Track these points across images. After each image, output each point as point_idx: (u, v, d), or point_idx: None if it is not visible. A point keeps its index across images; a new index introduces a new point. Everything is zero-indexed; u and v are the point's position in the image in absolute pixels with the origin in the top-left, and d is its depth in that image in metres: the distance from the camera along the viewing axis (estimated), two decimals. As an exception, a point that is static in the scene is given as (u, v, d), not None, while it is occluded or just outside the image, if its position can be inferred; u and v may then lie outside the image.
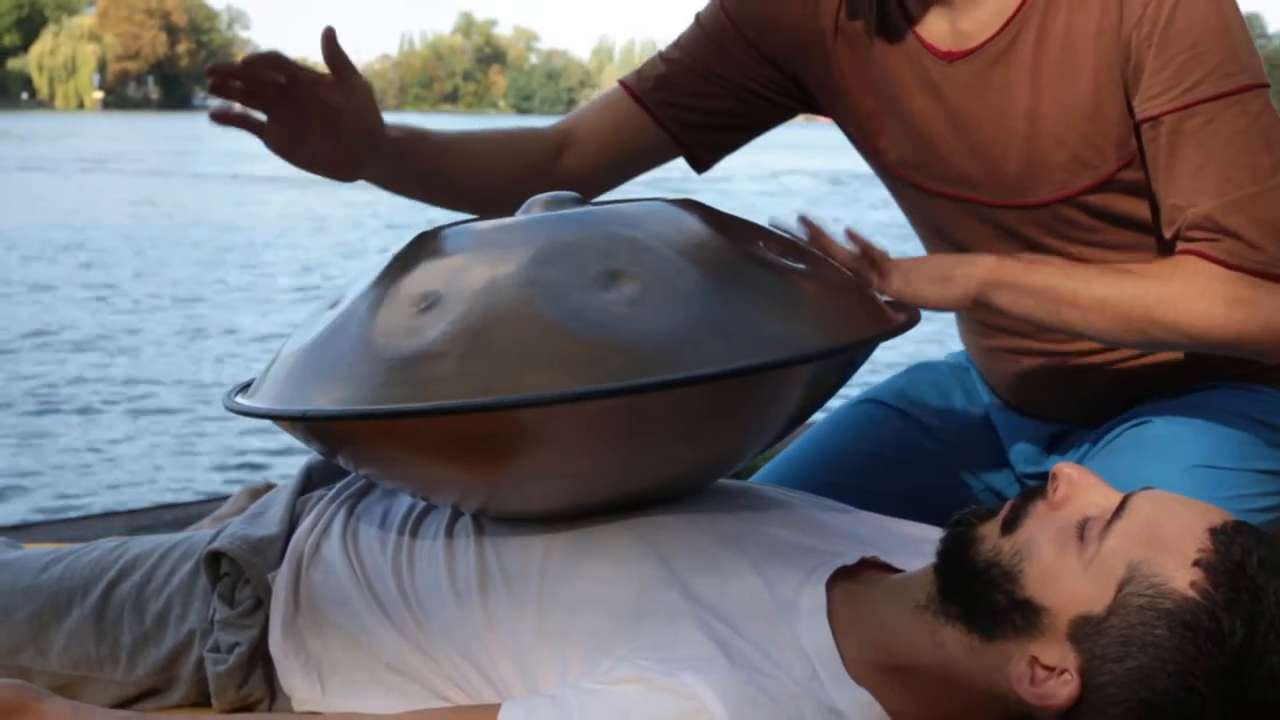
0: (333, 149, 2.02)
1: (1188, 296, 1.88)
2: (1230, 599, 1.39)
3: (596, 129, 2.28)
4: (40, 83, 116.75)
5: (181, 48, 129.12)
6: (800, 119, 2.44)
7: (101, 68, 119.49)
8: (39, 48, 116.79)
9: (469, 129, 2.26)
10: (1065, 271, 1.91)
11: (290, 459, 7.63)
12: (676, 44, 2.26)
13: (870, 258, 1.87)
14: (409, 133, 2.13)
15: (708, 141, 2.28)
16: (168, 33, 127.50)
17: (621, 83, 2.29)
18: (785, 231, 1.88)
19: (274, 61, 1.93)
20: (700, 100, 2.23)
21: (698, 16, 2.25)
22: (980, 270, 1.90)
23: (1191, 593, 1.40)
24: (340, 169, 2.05)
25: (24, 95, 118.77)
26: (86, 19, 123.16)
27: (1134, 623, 1.41)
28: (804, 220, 1.88)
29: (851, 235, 1.87)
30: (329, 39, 1.93)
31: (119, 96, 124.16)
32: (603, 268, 1.64)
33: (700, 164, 2.31)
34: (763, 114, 2.27)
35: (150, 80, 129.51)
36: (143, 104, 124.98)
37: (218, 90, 1.93)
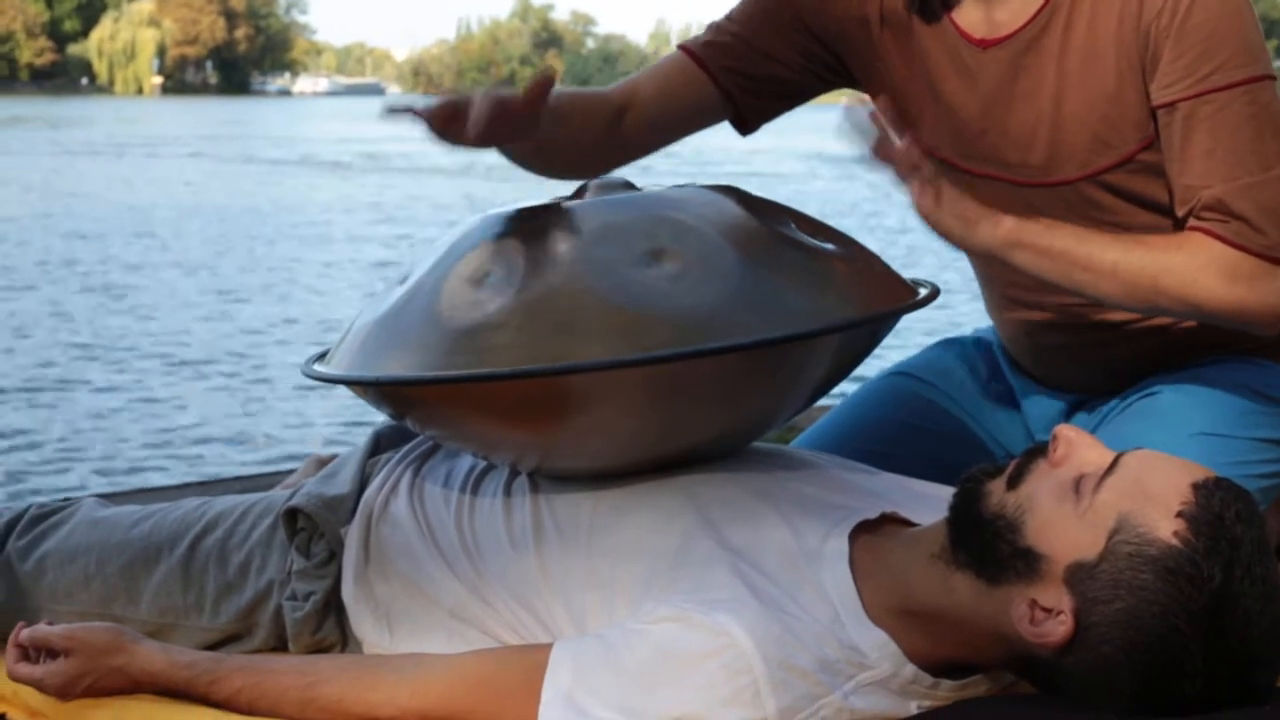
0: (483, 142, 1.97)
1: (1193, 269, 2.02)
2: (1210, 547, 1.52)
3: (657, 91, 2.37)
4: (100, 68, 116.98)
5: (240, 33, 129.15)
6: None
7: (160, 53, 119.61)
8: (99, 33, 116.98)
9: (565, 90, 2.27)
10: (1081, 237, 2.05)
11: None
12: (730, 16, 2.37)
13: (918, 167, 2.01)
14: (571, 102, 2.20)
15: (759, 106, 2.39)
16: (226, 18, 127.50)
17: (682, 47, 2.39)
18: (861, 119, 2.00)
19: (453, 108, 1.91)
20: (757, 68, 2.35)
21: None
22: (1002, 229, 2.03)
23: (1175, 541, 1.53)
24: (481, 146, 2.02)
25: (84, 81, 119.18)
26: (145, 5, 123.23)
27: (1123, 568, 1.54)
28: (874, 116, 2.00)
29: (911, 141, 2.00)
30: (546, 83, 1.94)
31: (178, 81, 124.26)
32: (648, 247, 1.79)
33: (747, 127, 2.43)
34: (811, 86, 2.39)
35: (209, 65, 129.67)
36: (201, 89, 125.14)
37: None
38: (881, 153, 2.00)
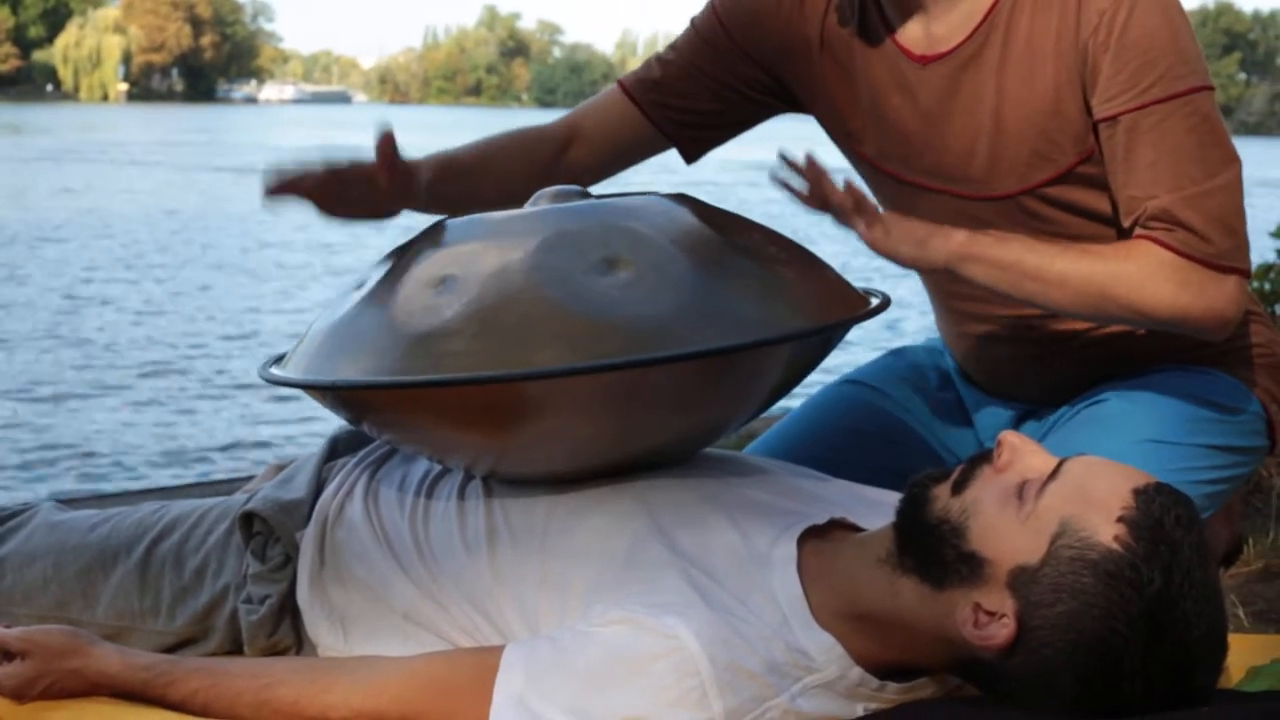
0: (371, 210, 2.21)
1: (1141, 276, 2.05)
2: (1149, 551, 1.54)
3: (598, 125, 2.45)
4: (65, 75, 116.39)
5: (206, 40, 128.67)
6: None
7: (126, 60, 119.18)
8: (64, 40, 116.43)
9: (485, 139, 2.42)
10: (1031, 248, 2.08)
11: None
12: (672, 46, 2.44)
13: (860, 207, 2.04)
14: (438, 165, 2.29)
15: (695, 138, 2.46)
16: (192, 25, 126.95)
17: (619, 82, 2.46)
18: (794, 165, 2.03)
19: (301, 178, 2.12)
20: (689, 101, 2.41)
21: (693, 20, 2.42)
22: (954, 243, 2.06)
23: (1115, 545, 1.55)
24: (378, 217, 2.23)
25: (49, 87, 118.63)
26: (111, 11, 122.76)
27: (1064, 572, 1.56)
28: (810, 160, 2.03)
29: (849, 185, 2.05)
30: (387, 141, 2.11)
31: (144, 89, 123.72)
32: (602, 255, 1.81)
33: (689, 157, 2.49)
34: (746, 113, 2.44)
35: (174, 72, 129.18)
36: (167, 96, 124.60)
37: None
38: (818, 200, 2.04)
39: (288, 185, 2.12)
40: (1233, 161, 2.09)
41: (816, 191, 2.04)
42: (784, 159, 2.04)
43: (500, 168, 2.37)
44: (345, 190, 2.14)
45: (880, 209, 2.09)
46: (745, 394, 1.88)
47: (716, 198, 2.08)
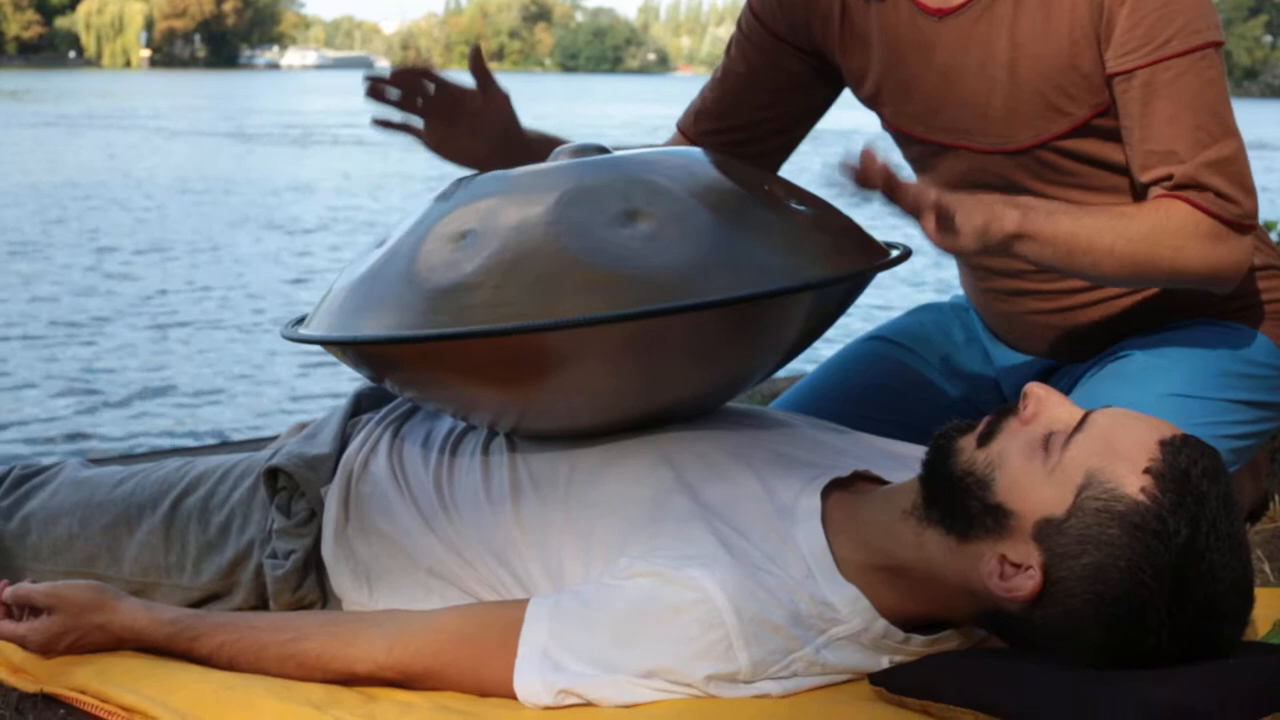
0: (476, 145, 2.30)
1: (1181, 238, 2.05)
2: (1176, 503, 1.54)
3: None
4: (88, 41, 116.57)
5: (228, 6, 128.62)
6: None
7: (148, 26, 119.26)
8: (86, 6, 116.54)
9: None
10: (1078, 221, 2.03)
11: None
12: (729, 54, 2.46)
13: (933, 207, 1.93)
14: (543, 139, 2.35)
15: (752, 155, 2.44)
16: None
17: (679, 124, 2.50)
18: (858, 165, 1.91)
19: (424, 72, 2.23)
20: (739, 116, 2.43)
21: (738, 22, 2.44)
22: (1009, 225, 1.99)
23: (1142, 497, 1.55)
24: (484, 163, 2.26)
25: (71, 54, 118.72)
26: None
27: (1090, 524, 1.56)
28: (882, 169, 1.88)
29: (920, 188, 1.96)
30: (476, 54, 2.24)
31: (166, 55, 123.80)
32: (622, 208, 1.80)
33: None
34: (801, 109, 2.45)
35: (197, 38, 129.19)
36: (189, 62, 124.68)
37: (375, 96, 2.23)
38: (889, 194, 1.98)
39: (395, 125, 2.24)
40: (1233, 120, 2.10)
41: (888, 186, 1.97)
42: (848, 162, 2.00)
43: None
44: (449, 114, 2.26)
45: (946, 207, 2.01)
46: (767, 345, 1.88)
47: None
